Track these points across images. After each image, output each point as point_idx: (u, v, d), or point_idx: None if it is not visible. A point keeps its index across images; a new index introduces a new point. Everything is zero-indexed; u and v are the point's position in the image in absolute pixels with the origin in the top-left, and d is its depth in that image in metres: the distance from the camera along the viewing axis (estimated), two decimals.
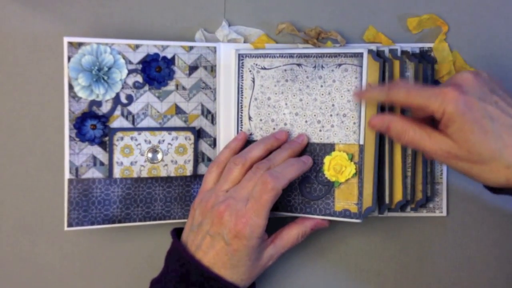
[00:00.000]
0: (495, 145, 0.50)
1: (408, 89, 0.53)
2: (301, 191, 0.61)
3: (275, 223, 0.64)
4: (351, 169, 0.59)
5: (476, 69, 0.64)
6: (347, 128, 0.60)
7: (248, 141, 0.62)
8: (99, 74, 0.60)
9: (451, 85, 0.51)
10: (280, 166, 0.57)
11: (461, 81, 0.52)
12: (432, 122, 0.55)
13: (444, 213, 0.65)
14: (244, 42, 0.64)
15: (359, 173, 0.59)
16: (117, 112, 0.61)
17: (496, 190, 0.54)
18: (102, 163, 0.60)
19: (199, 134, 0.63)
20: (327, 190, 0.60)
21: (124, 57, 0.60)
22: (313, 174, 0.60)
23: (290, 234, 0.59)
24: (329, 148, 0.60)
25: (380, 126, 0.57)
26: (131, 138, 0.61)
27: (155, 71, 0.61)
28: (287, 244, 0.59)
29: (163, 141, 0.62)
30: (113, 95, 0.60)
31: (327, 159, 0.60)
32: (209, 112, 0.63)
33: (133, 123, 0.61)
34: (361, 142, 0.59)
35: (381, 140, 0.60)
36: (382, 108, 0.60)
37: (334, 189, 0.60)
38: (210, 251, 0.55)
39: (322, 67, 0.60)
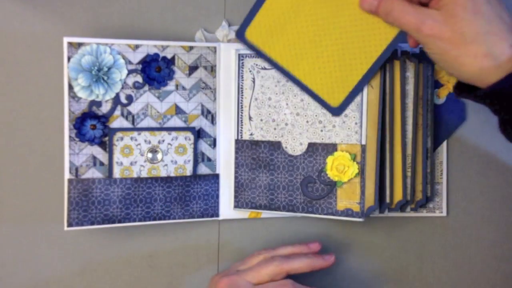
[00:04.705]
0: (481, 29, 0.48)
1: None
2: (303, 191, 0.61)
3: (276, 223, 0.64)
4: (354, 169, 0.59)
5: None
6: (348, 128, 0.60)
7: (249, 141, 0.62)
8: (99, 74, 0.59)
9: None
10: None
11: None
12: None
13: (444, 213, 0.65)
14: None
15: (362, 172, 0.59)
16: (117, 112, 0.60)
17: (462, 90, 0.52)
18: (102, 163, 0.60)
19: (199, 134, 0.63)
20: (329, 189, 0.60)
21: (124, 57, 0.60)
22: (315, 174, 0.60)
23: None
24: (331, 148, 0.60)
25: (370, 5, 0.55)
26: (131, 138, 0.61)
27: (155, 71, 0.61)
28: None
29: (163, 141, 0.61)
30: (113, 95, 0.60)
31: (329, 159, 0.60)
32: (209, 112, 0.63)
33: (133, 123, 0.61)
34: (363, 142, 0.59)
35: (382, 140, 0.60)
36: (383, 110, 0.60)
37: (336, 188, 0.60)
38: None
39: None
